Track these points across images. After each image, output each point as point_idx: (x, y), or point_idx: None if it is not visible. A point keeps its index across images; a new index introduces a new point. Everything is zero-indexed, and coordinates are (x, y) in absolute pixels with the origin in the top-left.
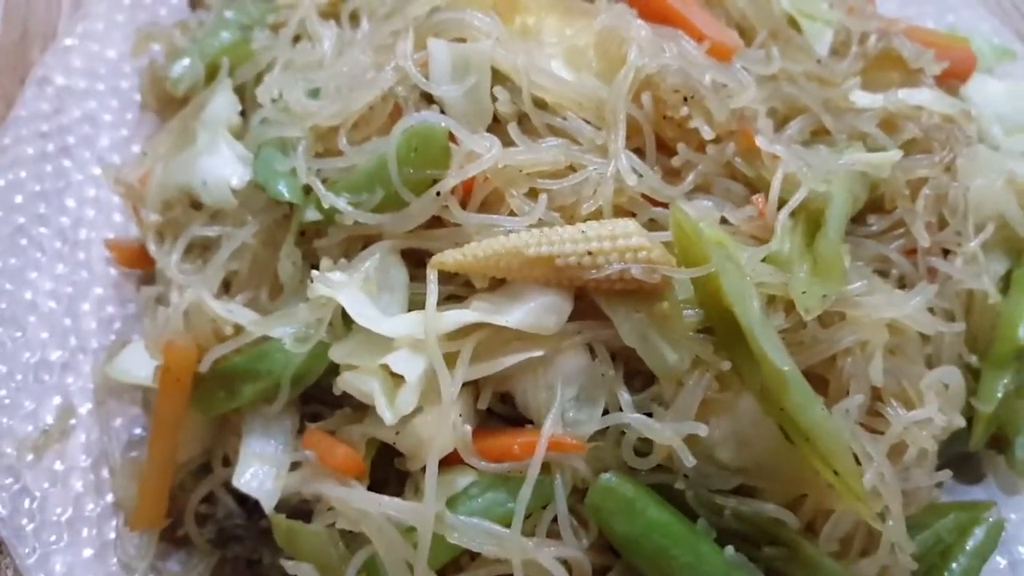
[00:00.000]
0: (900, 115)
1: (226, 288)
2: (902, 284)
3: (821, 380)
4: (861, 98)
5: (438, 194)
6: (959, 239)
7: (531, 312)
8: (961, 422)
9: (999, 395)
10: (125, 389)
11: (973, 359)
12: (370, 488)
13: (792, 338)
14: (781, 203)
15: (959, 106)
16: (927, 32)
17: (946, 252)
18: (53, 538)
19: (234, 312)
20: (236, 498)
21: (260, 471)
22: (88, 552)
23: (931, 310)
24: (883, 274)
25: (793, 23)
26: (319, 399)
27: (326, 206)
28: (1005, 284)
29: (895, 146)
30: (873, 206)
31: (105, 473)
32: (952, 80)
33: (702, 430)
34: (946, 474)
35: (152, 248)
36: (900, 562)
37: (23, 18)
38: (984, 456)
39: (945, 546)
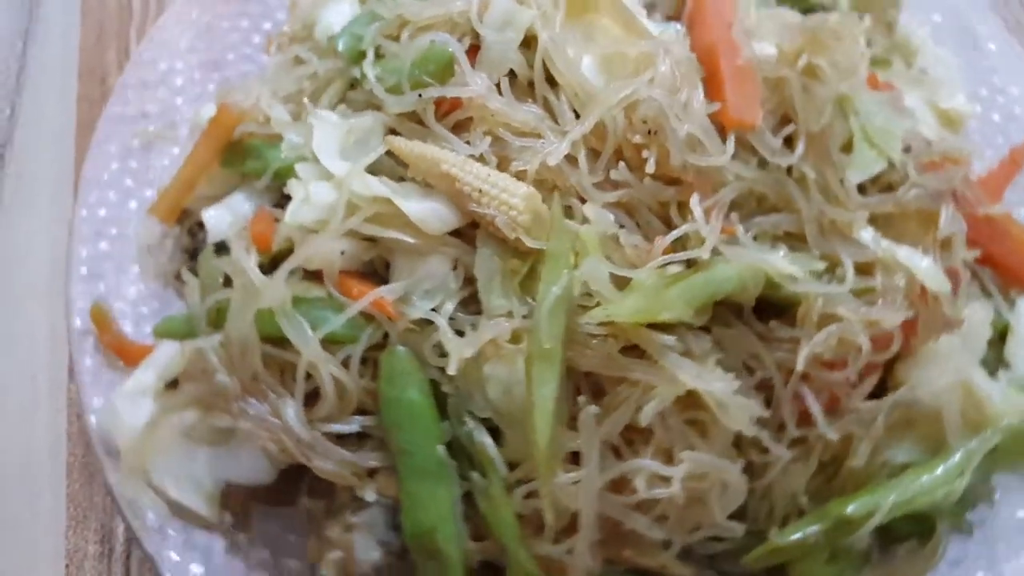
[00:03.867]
0: (879, 264)
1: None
2: (766, 389)
3: (601, 389)
4: (864, 234)
5: (420, 95)
6: (850, 391)
7: (424, 210)
8: (733, 527)
9: (792, 539)
10: None
11: (804, 500)
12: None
13: (594, 342)
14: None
15: (947, 288)
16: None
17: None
18: (111, 193)
19: (273, 109)
20: None
21: (222, 215)
22: (131, 206)
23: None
24: (750, 371)
25: (849, 143)
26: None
27: (364, 71)
28: (903, 470)
29: (851, 286)
30: (789, 317)
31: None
32: (1019, 286)
33: (467, 352)
34: (664, 530)
35: (270, 52)
36: (579, 566)
37: (99, 21)
38: None
39: None
